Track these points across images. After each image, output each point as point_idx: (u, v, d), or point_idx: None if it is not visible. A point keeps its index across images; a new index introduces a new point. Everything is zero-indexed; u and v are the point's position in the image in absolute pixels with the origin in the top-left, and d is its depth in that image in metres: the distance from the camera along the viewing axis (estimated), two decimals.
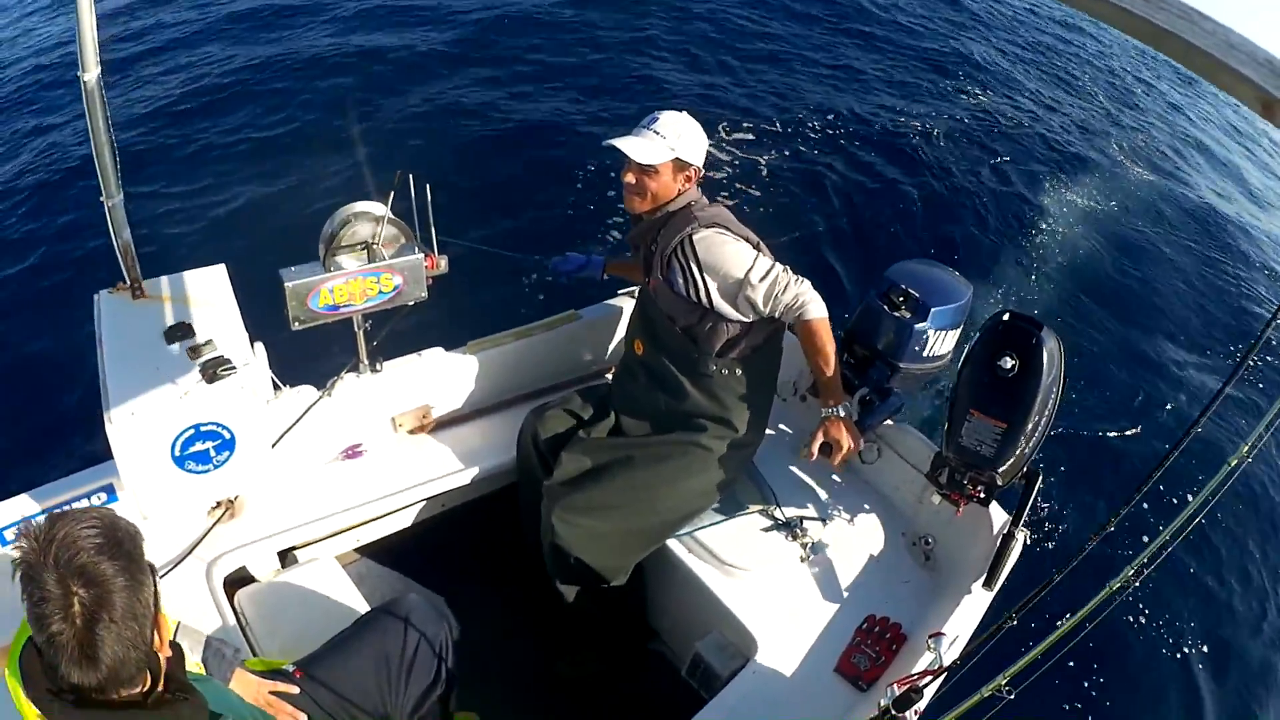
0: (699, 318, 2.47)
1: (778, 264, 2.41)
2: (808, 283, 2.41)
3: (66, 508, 1.29)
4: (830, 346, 2.45)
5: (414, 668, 1.98)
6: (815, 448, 2.54)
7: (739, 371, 2.51)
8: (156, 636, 1.25)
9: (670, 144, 2.38)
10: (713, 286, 2.40)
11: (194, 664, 1.66)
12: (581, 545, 2.46)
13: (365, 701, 1.92)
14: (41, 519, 1.17)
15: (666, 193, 2.46)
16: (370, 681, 1.94)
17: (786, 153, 7.35)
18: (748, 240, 2.45)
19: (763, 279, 2.36)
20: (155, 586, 1.25)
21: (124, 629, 1.16)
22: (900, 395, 2.79)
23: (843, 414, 2.51)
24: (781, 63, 8.84)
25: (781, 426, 3.06)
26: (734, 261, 2.38)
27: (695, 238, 2.39)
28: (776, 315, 2.43)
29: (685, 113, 2.47)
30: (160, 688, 1.28)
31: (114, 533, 1.19)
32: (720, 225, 2.42)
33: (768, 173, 7.03)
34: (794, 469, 2.89)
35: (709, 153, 2.54)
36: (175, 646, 1.35)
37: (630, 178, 2.46)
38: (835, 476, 2.89)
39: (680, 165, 2.43)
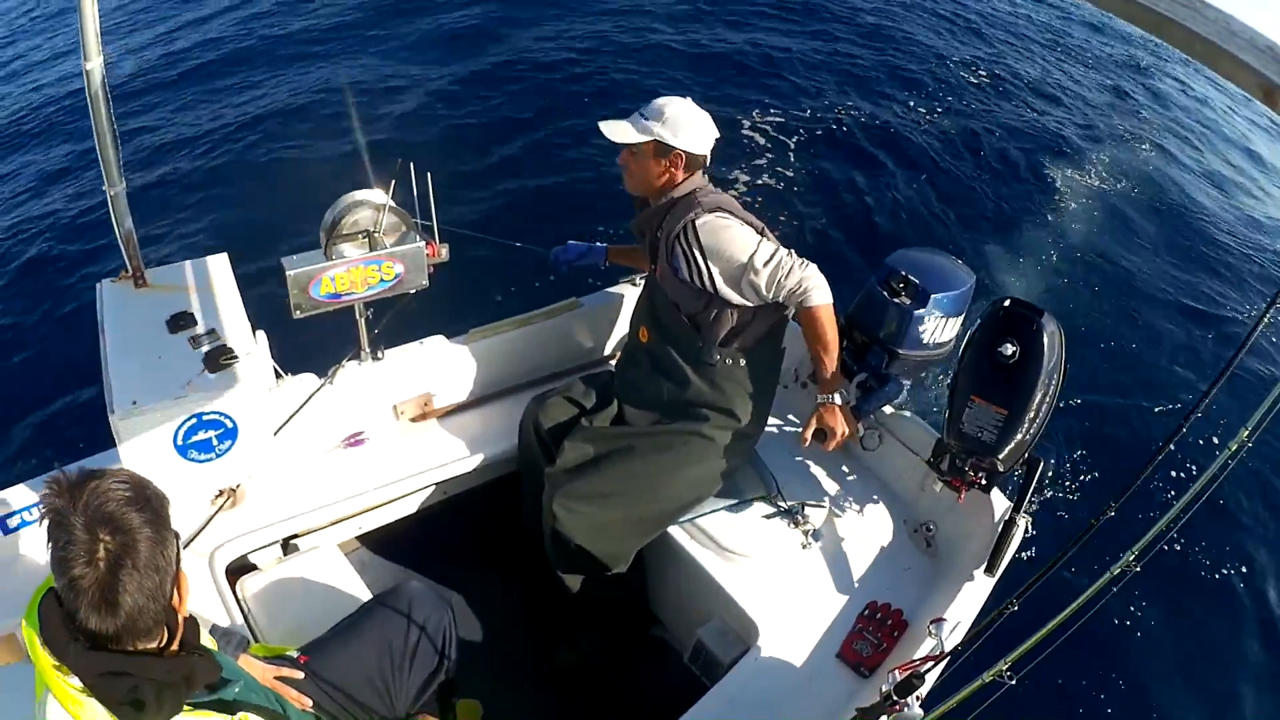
0: (704, 305, 2.46)
1: (782, 249, 2.39)
2: (813, 267, 2.38)
3: None
4: (831, 334, 2.44)
5: (416, 656, 1.99)
6: (809, 434, 2.55)
7: (742, 361, 2.50)
8: (176, 594, 1.26)
9: (649, 125, 2.38)
10: (716, 271, 2.39)
11: (205, 640, 1.67)
12: (583, 532, 2.46)
13: (368, 689, 1.93)
14: (73, 470, 1.19)
15: (649, 175, 2.46)
16: (373, 669, 1.94)
17: (798, 143, 7.31)
18: (751, 225, 2.43)
19: (766, 263, 2.34)
20: (178, 549, 1.27)
21: (145, 578, 1.18)
22: (899, 382, 2.78)
23: (838, 400, 2.51)
24: (793, 55, 8.79)
25: (784, 414, 3.06)
26: (737, 246, 2.36)
27: (698, 223, 2.38)
28: (780, 300, 2.41)
29: (689, 100, 2.45)
30: (175, 646, 1.29)
31: (143, 490, 1.24)
32: (723, 210, 2.41)
33: (779, 163, 7.00)
34: (795, 456, 2.89)
35: (721, 142, 2.51)
36: (192, 616, 1.36)
37: (620, 159, 2.49)
38: (842, 465, 2.89)
39: (661, 149, 2.41)
